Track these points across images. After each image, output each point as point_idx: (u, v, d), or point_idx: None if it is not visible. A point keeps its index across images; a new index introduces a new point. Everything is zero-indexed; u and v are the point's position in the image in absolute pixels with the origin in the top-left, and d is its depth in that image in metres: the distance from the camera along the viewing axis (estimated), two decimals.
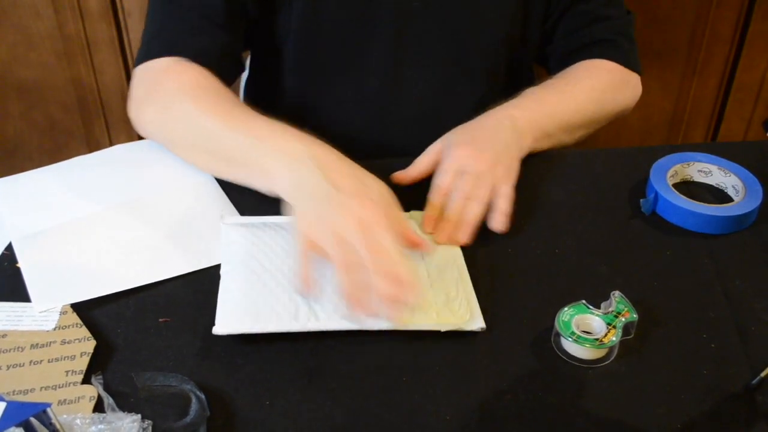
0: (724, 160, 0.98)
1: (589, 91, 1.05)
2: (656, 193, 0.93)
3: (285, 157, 0.82)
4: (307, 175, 0.79)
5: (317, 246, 0.76)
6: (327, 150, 0.82)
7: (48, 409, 0.62)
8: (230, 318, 0.76)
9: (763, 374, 0.73)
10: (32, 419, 0.61)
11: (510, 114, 0.96)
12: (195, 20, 0.98)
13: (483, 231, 0.90)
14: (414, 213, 0.88)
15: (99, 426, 0.66)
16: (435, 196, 0.88)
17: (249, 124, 0.87)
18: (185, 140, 0.94)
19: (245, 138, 0.86)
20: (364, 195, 0.77)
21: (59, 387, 0.71)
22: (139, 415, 0.68)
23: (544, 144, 1.00)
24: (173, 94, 0.93)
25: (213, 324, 0.78)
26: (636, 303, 0.78)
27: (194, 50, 0.97)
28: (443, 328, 0.76)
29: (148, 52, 0.98)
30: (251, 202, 0.94)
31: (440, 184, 0.89)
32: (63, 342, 0.75)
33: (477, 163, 0.89)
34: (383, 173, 0.98)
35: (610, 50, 1.09)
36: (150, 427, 0.67)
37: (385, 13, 1.02)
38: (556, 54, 1.12)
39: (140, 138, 1.02)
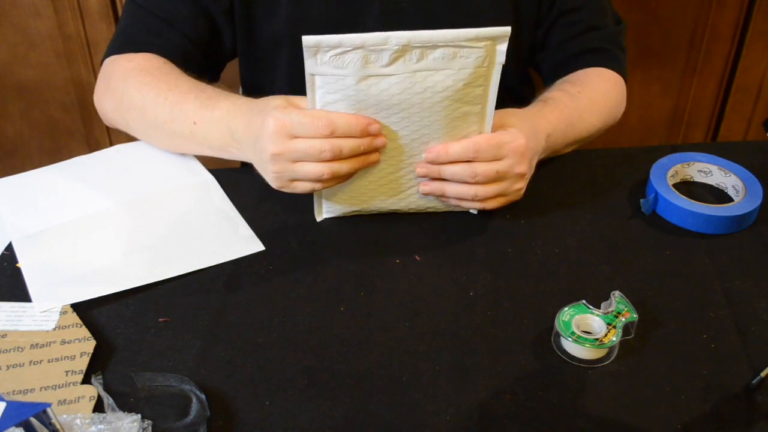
0: (724, 160, 0.98)
1: (599, 111, 1.05)
2: (656, 193, 0.93)
3: (215, 137, 0.92)
4: (232, 142, 0.91)
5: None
6: (239, 113, 0.89)
7: (48, 409, 0.62)
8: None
9: (763, 374, 0.73)
10: (32, 419, 0.61)
11: (545, 129, 0.94)
12: (155, 22, 1.02)
13: (483, 231, 0.90)
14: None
15: (99, 426, 0.66)
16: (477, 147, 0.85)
17: (185, 105, 0.93)
18: (140, 127, 1.00)
19: (184, 123, 0.93)
20: (267, 123, 0.82)
21: (59, 387, 0.71)
22: (139, 415, 0.68)
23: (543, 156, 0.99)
24: (122, 83, 0.99)
25: (213, 324, 0.78)
26: (636, 303, 0.78)
27: (147, 45, 1.01)
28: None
29: (109, 50, 1.04)
30: (251, 201, 0.94)
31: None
32: (63, 342, 0.75)
33: (521, 167, 0.87)
34: None
35: (608, 60, 1.09)
36: (150, 427, 0.67)
37: (373, 13, 1.03)
38: (550, 61, 1.12)
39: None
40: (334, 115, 0.80)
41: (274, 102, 0.84)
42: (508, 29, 0.79)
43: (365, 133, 0.81)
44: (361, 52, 0.77)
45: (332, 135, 0.80)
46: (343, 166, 0.82)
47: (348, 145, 0.81)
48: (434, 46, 0.78)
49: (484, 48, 0.79)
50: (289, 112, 0.81)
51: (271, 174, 0.84)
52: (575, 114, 1.00)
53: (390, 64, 0.78)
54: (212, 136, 0.91)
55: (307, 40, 0.76)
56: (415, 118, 0.82)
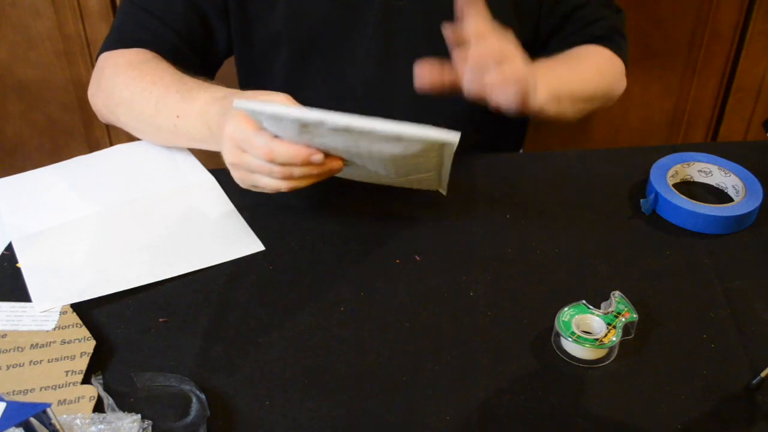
0: (724, 160, 0.98)
1: (594, 69, 1.08)
2: (656, 193, 0.93)
3: (197, 130, 0.92)
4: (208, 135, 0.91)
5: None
6: (213, 108, 0.89)
7: (48, 409, 0.62)
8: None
9: (763, 374, 0.73)
10: (32, 419, 0.61)
11: (537, 63, 0.96)
12: (148, 19, 1.02)
13: (483, 231, 0.90)
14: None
15: (99, 426, 0.66)
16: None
17: (168, 99, 0.93)
18: (129, 121, 1.00)
19: (168, 117, 0.93)
20: (224, 130, 0.82)
21: (59, 387, 0.71)
22: (139, 415, 0.68)
23: (552, 107, 0.98)
24: (112, 79, 0.99)
25: (213, 324, 0.78)
26: (636, 303, 0.78)
27: (140, 42, 1.02)
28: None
29: (103, 47, 1.04)
30: (251, 201, 0.94)
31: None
32: (63, 342, 0.75)
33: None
34: None
35: (607, 43, 1.12)
36: (150, 427, 0.67)
37: (373, 11, 1.03)
38: (551, 53, 1.13)
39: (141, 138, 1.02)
40: (275, 144, 0.77)
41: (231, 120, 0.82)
42: (456, 137, 0.73)
43: (306, 164, 0.78)
44: (298, 123, 0.72)
45: (272, 162, 0.77)
46: (301, 183, 0.81)
47: (298, 170, 0.79)
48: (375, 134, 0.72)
49: (432, 142, 0.74)
50: (239, 125, 0.79)
51: (234, 177, 0.84)
52: (571, 64, 1.04)
53: (330, 134, 0.73)
54: (194, 129, 0.92)
55: (236, 104, 0.73)
56: (365, 162, 0.80)
